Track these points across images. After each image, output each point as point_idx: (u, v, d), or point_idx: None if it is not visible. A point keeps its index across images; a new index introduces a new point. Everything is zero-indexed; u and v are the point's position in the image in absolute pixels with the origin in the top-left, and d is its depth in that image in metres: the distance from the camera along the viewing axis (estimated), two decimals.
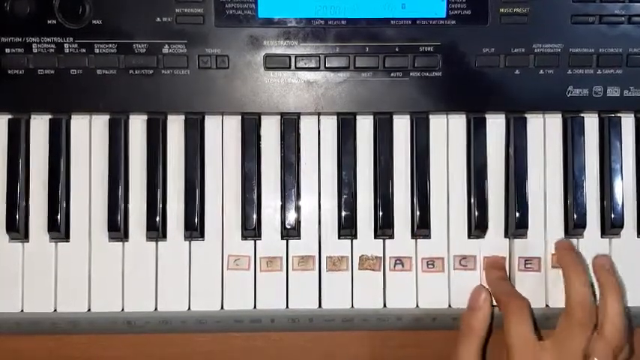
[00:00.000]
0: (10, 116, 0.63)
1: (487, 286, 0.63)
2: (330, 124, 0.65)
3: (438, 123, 0.65)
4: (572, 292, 0.60)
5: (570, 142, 0.64)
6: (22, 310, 0.62)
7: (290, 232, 0.63)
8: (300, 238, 0.64)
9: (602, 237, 0.65)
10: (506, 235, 0.65)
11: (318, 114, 0.64)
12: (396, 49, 0.63)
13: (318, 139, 0.65)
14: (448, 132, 0.65)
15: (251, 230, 0.63)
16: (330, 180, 0.64)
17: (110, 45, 0.62)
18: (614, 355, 0.58)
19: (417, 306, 0.64)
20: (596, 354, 0.57)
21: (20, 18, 0.62)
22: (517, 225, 0.63)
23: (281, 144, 0.64)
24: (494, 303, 0.62)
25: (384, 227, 0.63)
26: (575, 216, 0.64)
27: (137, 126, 0.64)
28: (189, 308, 0.63)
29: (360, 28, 0.63)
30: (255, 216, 0.63)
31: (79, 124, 0.64)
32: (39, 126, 0.64)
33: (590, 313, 0.59)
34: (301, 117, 0.65)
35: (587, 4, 0.63)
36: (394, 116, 0.65)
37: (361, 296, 0.63)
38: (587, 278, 0.61)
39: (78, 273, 0.63)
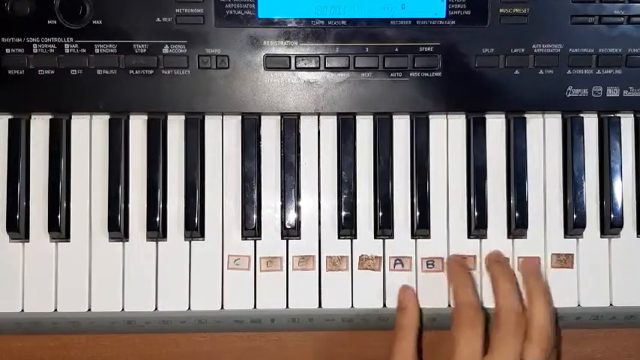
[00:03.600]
0: (10, 116, 0.64)
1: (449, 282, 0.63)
2: (330, 124, 0.65)
3: (437, 123, 0.65)
4: (501, 302, 0.60)
5: (570, 142, 0.64)
6: (22, 310, 0.62)
7: (290, 232, 0.63)
8: (300, 238, 0.64)
9: (601, 237, 0.65)
10: (506, 235, 0.65)
11: (318, 114, 0.65)
12: (396, 50, 0.63)
13: (318, 139, 0.65)
14: (448, 132, 0.65)
15: (251, 230, 0.63)
16: (330, 180, 0.64)
17: (110, 45, 0.62)
18: (545, 358, 0.58)
19: None
20: (528, 359, 0.57)
21: (20, 18, 0.62)
22: (517, 225, 0.64)
23: (281, 144, 0.64)
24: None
25: (383, 227, 0.63)
26: (574, 216, 0.64)
27: (137, 126, 0.64)
28: (189, 308, 0.63)
29: (359, 28, 0.63)
30: (255, 216, 0.63)
31: (79, 124, 0.64)
32: (39, 126, 0.64)
33: (518, 320, 0.58)
34: (301, 117, 0.65)
35: (587, 4, 0.63)
36: (394, 116, 0.65)
37: (361, 296, 0.63)
38: (515, 288, 0.61)
39: (78, 273, 0.63)
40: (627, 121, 0.65)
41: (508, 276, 0.61)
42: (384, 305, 0.63)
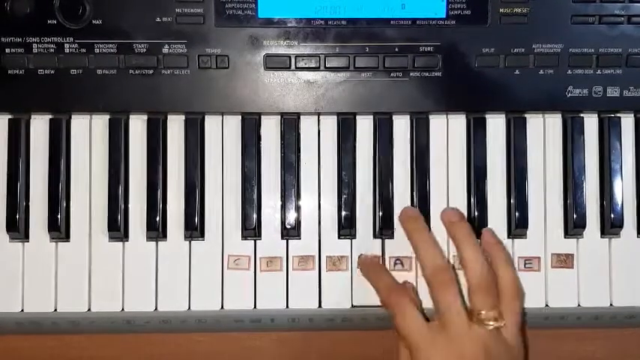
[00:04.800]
0: (10, 116, 0.63)
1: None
2: (330, 124, 0.65)
3: (437, 123, 0.65)
4: (472, 267, 0.59)
5: (570, 142, 0.64)
6: (22, 310, 0.62)
7: (290, 232, 0.63)
8: (300, 238, 0.64)
9: (601, 237, 0.65)
10: (506, 235, 0.65)
11: (318, 114, 0.65)
12: (396, 49, 0.63)
13: (318, 139, 0.65)
14: (448, 132, 0.65)
15: (251, 230, 0.63)
16: (330, 180, 0.64)
17: (110, 45, 0.62)
18: (518, 321, 0.58)
19: None
20: (507, 316, 0.57)
21: (20, 18, 0.62)
22: (517, 225, 0.63)
23: (281, 144, 0.64)
24: None
25: (383, 227, 0.63)
26: (574, 216, 0.64)
27: (137, 126, 0.64)
28: (189, 308, 0.63)
29: (360, 28, 0.63)
30: (255, 216, 0.63)
31: (79, 124, 0.64)
32: (39, 126, 0.64)
33: (489, 281, 0.58)
34: (301, 117, 0.65)
35: (587, 4, 0.63)
36: (394, 116, 0.65)
37: (361, 296, 0.63)
38: (480, 252, 0.60)
39: (78, 273, 0.63)
40: (627, 121, 0.65)
41: (471, 240, 0.60)
42: None
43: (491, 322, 0.56)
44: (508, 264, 0.60)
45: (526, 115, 0.65)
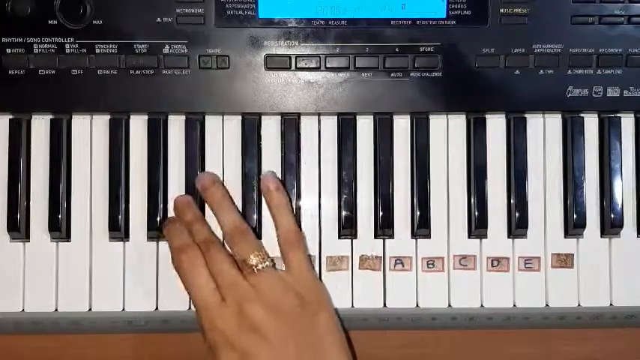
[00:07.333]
0: (11, 116, 0.64)
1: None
2: (330, 124, 0.65)
3: (438, 123, 0.65)
4: (225, 219, 0.60)
5: (570, 142, 0.64)
6: (23, 310, 0.63)
7: None
8: None
9: (601, 237, 0.65)
10: (506, 234, 0.65)
11: (319, 114, 0.65)
12: (396, 50, 0.63)
13: (319, 139, 0.65)
14: (448, 132, 0.65)
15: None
16: (330, 180, 0.64)
17: (111, 45, 0.62)
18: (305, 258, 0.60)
19: (417, 305, 0.64)
20: (293, 261, 0.59)
21: (21, 18, 0.62)
22: (517, 225, 0.64)
23: (281, 144, 0.64)
24: None
25: (384, 227, 0.63)
26: (574, 216, 0.64)
27: (138, 126, 0.64)
28: (189, 308, 0.63)
29: (360, 28, 0.63)
30: (255, 216, 0.63)
31: (79, 124, 0.64)
32: (40, 126, 0.64)
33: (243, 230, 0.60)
34: (301, 117, 0.65)
35: (587, 4, 0.63)
36: (394, 116, 0.65)
37: (361, 296, 0.63)
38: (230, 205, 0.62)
39: (79, 273, 0.63)
40: (628, 121, 0.65)
41: (219, 192, 0.62)
42: (385, 305, 0.63)
43: (260, 265, 0.57)
44: (284, 210, 0.61)
45: (526, 115, 0.65)
